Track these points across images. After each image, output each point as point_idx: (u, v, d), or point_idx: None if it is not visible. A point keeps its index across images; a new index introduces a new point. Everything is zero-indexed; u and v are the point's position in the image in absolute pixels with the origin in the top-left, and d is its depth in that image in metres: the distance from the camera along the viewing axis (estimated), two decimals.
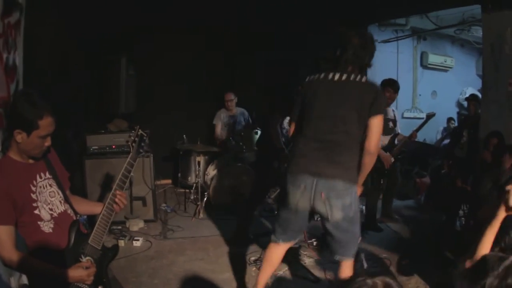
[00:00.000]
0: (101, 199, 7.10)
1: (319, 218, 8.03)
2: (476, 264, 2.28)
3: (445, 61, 14.61)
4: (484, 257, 2.20)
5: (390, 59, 13.30)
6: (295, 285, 5.83)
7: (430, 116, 7.82)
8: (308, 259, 6.50)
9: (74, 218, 3.47)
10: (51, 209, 3.30)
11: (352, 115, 4.28)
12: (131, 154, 3.53)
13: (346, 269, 4.60)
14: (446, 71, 14.91)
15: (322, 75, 4.51)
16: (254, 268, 6.19)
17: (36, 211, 3.20)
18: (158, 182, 8.93)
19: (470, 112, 9.64)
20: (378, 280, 1.99)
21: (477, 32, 12.71)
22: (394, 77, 8.93)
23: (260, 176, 7.37)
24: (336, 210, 4.26)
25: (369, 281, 2.00)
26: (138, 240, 6.99)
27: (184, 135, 9.22)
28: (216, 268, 6.25)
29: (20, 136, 3.04)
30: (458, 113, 13.25)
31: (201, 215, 8.35)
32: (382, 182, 7.89)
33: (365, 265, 4.76)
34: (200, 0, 9.07)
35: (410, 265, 6.44)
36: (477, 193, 6.56)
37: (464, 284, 2.26)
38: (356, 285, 2.02)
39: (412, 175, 10.48)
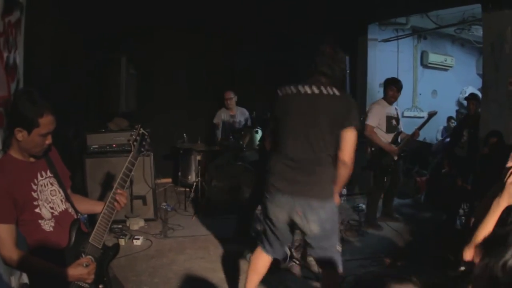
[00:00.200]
0: (101, 198, 7.11)
1: None
2: (494, 238, 2.26)
3: (445, 60, 14.60)
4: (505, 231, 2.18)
5: (391, 58, 13.30)
6: (296, 284, 5.84)
7: (432, 115, 7.84)
8: (309, 258, 6.50)
9: (75, 216, 3.46)
10: (52, 208, 3.29)
11: (325, 130, 4.32)
12: (132, 153, 3.52)
13: (328, 279, 4.80)
14: (446, 70, 14.91)
15: (294, 89, 4.52)
16: None
17: (37, 210, 3.20)
18: (158, 181, 8.93)
19: (470, 111, 9.63)
20: None
21: (478, 31, 12.70)
22: (395, 76, 8.94)
23: (261, 175, 7.38)
24: (313, 225, 4.34)
25: None
26: (138, 239, 7.01)
27: (185, 134, 9.23)
28: (216, 266, 6.27)
29: (20, 134, 3.04)
30: (457, 111, 13.22)
31: (201, 214, 8.35)
32: (386, 180, 7.91)
33: (340, 270, 4.77)
34: (200, 0, 9.07)
35: (410, 264, 6.46)
36: (476, 191, 6.58)
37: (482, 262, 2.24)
38: None
39: (412, 174, 10.48)
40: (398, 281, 5.93)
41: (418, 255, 6.75)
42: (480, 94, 9.54)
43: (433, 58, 14.29)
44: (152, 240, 7.14)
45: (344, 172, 4.40)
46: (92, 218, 4.82)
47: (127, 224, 7.58)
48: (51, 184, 3.36)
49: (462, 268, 5.56)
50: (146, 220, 7.82)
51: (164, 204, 8.72)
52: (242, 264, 6.31)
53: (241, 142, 8.94)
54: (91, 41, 8.25)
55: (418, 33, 13.80)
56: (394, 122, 8.00)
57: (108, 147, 7.62)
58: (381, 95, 8.34)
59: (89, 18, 7.90)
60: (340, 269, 4.62)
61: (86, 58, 8.34)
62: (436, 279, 5.90)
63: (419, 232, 7.78)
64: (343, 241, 7.28)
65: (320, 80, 4.45)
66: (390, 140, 7.82)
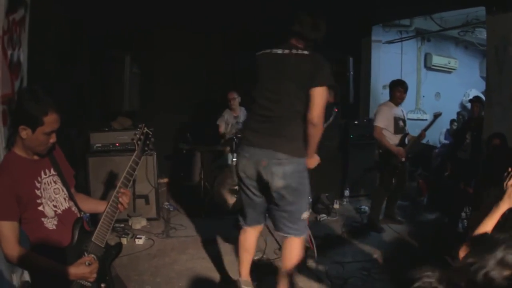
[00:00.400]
0: (104, 196, 7.12)
1: (322, 218, 8.10)
2: (486, 240, 2.27)
3: (449, 63, 14.60)
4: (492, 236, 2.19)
5: (394, 60, 13.30)
6: (297, 286, 5.83)
7: (437, 116, 7.84)
8: (310, 259, 6.49)
9: (78, 215, 3.47)
10: (55, 206, 3.29)
11: (293, 88, 4.43)
12: (136, 152, 3.52)
13: (292, 248, 4.81)
14: (449, 72, 14.90)
15: (268, 50, 4.67)
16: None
17: (40, 208, 3.20)
18: (161, 181, 8.94)
19: (474, 114, 9.63)
20: None
21: (481, 34, 12.69)
22: (398, 78, 8.94)
23: None
24: (277, 178, 4.44)
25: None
26: (140, 238, 7.01)
27: (188, 134, 9.22)
28: (218, 267, 6.25)
29: (25, 132, 3.04)
30: (458, 113, 13.20)
31: (204, 214, 8.35)
32: (393, 181, 7.91)
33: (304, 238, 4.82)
34: (206, 0, 9.07)
35: (410, 267, 6.45)
36: (479, 195, 6.56)
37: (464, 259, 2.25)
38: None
39: (415, 176, 10.48)
40: None
41: (419, 258, 6.74)
42: (483, 97, 9.53)
43: (437, 60, 14.28)
44: (154, 239, 7.13)
45: (313, 131, 4.49)
46: (94, 217, 4.84)
47: (130, 223, 7.58)
48: (55, 182, 3.37)
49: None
50: (148, 219, 7.81)
51: (167, 203, 8.73)
52: None
53: None
54: (95, 40, 8.26)
55: (422, 35, 13.80)
56: (401, 123, 8.01)
57: (111, 146, 7.62)
58: (385, 96, 8.34)
59: (93, 17, 7.91)
60: (304, 237, 4.87)
61: (89, 56, 8.35)
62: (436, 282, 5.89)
63: (421, 235, 7.76)
64: (345, 242, 7.31)
65: (293, 43, 4.62)
66: (397, 141, 7.82)
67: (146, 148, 3.56)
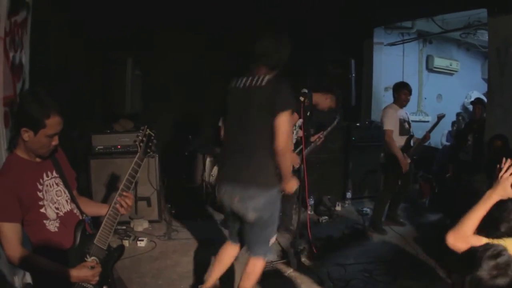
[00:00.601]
0: (106, 199, 7.12)
1: (324, 220, 8.10)
2: (469, 252, 2.29)
3: (451, 65, 14.58)
4: (478, 249, 2.21)
5: (396, 62, 13.28)
6: None
7: (441, 117, 7.85)
8: (311, 261, 6.49)
9: (80, 217, 3.46)
10: (57, 208, 3.29)
11: (257, 118, 4.45)
12: (138, 154, 3.51)
13: (255, 266, 4.84)
14: (451, 74, 14.89)
15: (235, 81, 4.74)
16: None
17: (42, 210, 3.19)
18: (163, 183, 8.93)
19: (476, 116, 9.64)
20: None
21: (483, 36, 12.69)
22: (400, 80, 8.94)
23: None
24: (250, 212, 4.50)
25: None
26: (142, 240, 7.00)
27: (190, 136, 9.21)
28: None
29: (27, 135, 3.03)
30: (457, 114, 13.17)
31: (206, 216, 8.35)
32: (399, 183, 7.91)
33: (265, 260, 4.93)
34: (207, 1, 9.07)
35: (413, 268, 6.47)
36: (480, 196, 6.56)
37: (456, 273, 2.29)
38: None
39: (417, 178, 10.47)
40: None
41: (421, 260, 6.74)
42: (485, 99, 9.53)
43: (439, 62, 14.27)
44: (156, 241, 7.13)
45: (281, 160, 4.47)
46: (96, 220, 4.85)
47: (131, 226, 7.58)
48: (57, 184, 3.36)
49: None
50: (150, 221, 7.81)
51: (169, 205, 8.72)
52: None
53: None
54: (97, 42, 8.24)
55: (424, 37, 13.78)
56: (406, 125, 8.05)
57: (113, 148, 7.62)
58: (387, 98, 8.34)
59: (95, 19, 7.90)
60: (266, 259, 4.89)
61: (91, 58, 8.34)
62: (439, 284, 5.90)
63: (423, 237, 7.75)
64: (347, 244, 7.31)
65: (256, 71, 4.62)
66: (403, 143, 7.87)
67: (148, 150, 3.55)
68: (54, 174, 3.36)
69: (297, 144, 6.97)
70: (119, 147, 7.62)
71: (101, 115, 8.60)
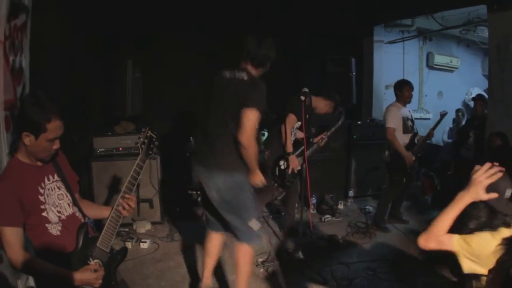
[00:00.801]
0: (108, 201, 7.12)
1: (326, 219, 8.11)
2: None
3: (451, 62, 14.55)
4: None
5: (396, 59, 13.27)
6: (303, 287, 5.83)
7: (443, 115, 7.86)
8: (315, 260, 6.50)
9: (83, 221, 3.46)
10: (59, 212, 3.29)
11: (229, 110, 4.71)
12: (140, 156, 3.51)
13: (239, 252, 5.13)
14: (452, 71, 14.86)
15: (221, 72, 5.00)
16: (262, 270, 6.21)
17: (44, 214, 3.19)
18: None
19: (477, 112, 9.63)
20: None
21: (483, 32, 12.67)
22: (400, 78, 8.94)
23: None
24: (212, 192, 4.86)
25: None
26: (145, 242, 7.01)
27: (191, 137, 9.20)
28: (223, 270, 6.26)
29: (28, 139, 3.03)
30: (456, 110, 13.12)
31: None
32: (404, 181, 7.91)
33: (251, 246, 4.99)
34: (207, 2, 9.07)
35: (415, 267, 6.46)
36: None
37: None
38: None
39: (419, 176, 10.46)
40: None
41: (425, 257, 6.73)
42: (486, 95, 9.52)
43: (439, 59, 14.24)
44: (159, 243, 7.14)
45: (244, 152, 4.69)
46: (99, 222, 4.83)
47: (134, 227, 7.59)
48: (58, 188, 3.36)
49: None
50: (153, 223, 7.82)
51: (170, 207, 8.71)
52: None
53: None
54: (97, 44, 8.24)
55: (424, 35, 13.75)
56: (409, 123, 8.04)
57: (114, 151, 7.62)
58: (388, 96, 8.34)
59: (94, 21, 7.89)
60: (251, 245, 5.07)
61: (91, 61, 8.33)
62: (442, 281, 5.89)
63: None
64: (350, 243, 7.31)
65: (241, 65, 4.98)
66: (407, 140, 7.84)
67: (150, 152, 3.56)
68: (56, 177, 3.36)
69: (296, 145, 6.99)
70: (120, 149, 7.62)
71: (102, 117, 8.60)
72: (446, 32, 13.38)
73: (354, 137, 9.81)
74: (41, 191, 3.21)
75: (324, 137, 7.23)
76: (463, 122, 12.25)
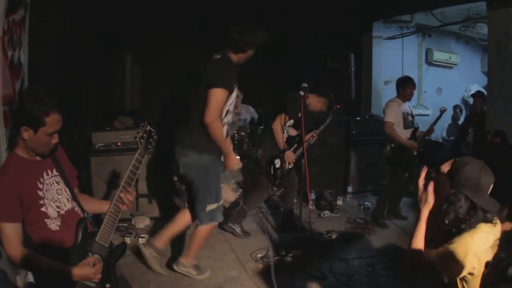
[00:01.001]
0: (106, 196, 7.10)
1: (325, 215, 8.10)
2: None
3: (450, 58, 14.55)
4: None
5: (395, 56, 13.26)
6: (302, 282, 5.83)
7: (443, 111, 7.93)
8: (314, 256, 6.49)
9: (82, 215, 3.46)
10: (58, 207, 3.29)
11: (203, 91, 5.00)
12: (139, 150, 3.49)
13: (196, 236, 5.59)
14: (451, 68, 14.86)
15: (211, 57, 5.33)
16: (261, 265, 6.20)
17: (43, 209, 3.19)
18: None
19: (476, 109, 9.64)
20: None
21: (482, 29, 12.67)
22: (399, 74, 8.97)
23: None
24: (181, 167, 5.29)
25: None
26: (144, 237, 6.98)
27: None
28: (222, 265, 6.26)
29: (26, 133, 3.03)
30: (454, 107, 13.11)
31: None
32: (407, 175, 7.92)
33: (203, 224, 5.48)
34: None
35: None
36: None
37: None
38: None
39: (419, 172, 10.46)
40: None
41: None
42: (485, 92, 9.52)
43: (438, 55, 14.24)
44: None
45: (209, 131, 4.96)
46: (98, 217, 4.82)
47: (133, 223, 7.57)
48: (57, 183, 3.36)
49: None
50: (151, 218, 7.79)
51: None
52: (249, 263, 6.31)
53: (246, 140, 8.93)
54: (96, 39, 8.22)
55: (423, 31, 13.75)
56: (410, 118, 8.07)
57: (113, 145, 7.60)
58: (387, 92, 8.34)
59: (93, 16, 7.86)
60: (201, 224, 5.43)
61: (90, 56, 8.31)
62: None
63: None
64: (349, 239, 7.31)
65: (224, 48, 5.27)
66: (408, 135, 7.88)
67: (149, 147, 3.54)
68: (55, 172, 3.36)
69: (289, 143, 7.06)
70: (119, 144, 7.60)
71: (101, 112, 8.59)
72: (446, 29, 13.40)
73: (353, 133, 9.79)
74: (40, 186, 3.21)
75: (314, 135, 7.25)
76: (461, 119, 12.27)
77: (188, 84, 9.39)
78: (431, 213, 3.21)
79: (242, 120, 9.47)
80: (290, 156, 6.95)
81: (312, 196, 8.77)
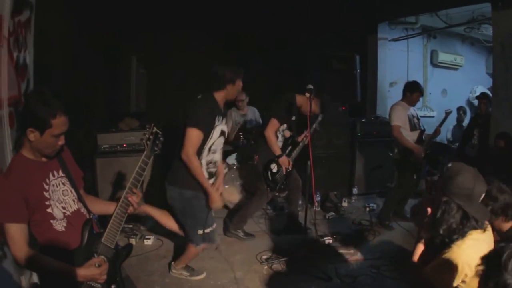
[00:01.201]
0: (112, 197, 7.11)
1: (330, 216, 8.10)
2: (490, 257, 2.26)
3: (455, 60, 14.53)
4: (499, 251, 2.17)
5: (400, 57, 13.26)
6: (307, 284, 5.83)
7: (448, 113, 7.91)
8: (319, 258, 6.49)
9: (87, 217, 3.46)
10: (64, 208, 3.29)
11: (183, 128, 5.22)
12: (145, 152, 3.50)
13: (186, 248, 5.74)
14: (456, 69, 14.84)
15: None
16: (266, 267, 6.20)
17: (49, 210, 3.19)
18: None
19: (481, 111, 9.62)
20: None
21: (487, 30, 12.64)
22: (404, 76, 8.97)
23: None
24: (167, 198, 5.43)
25: None
26: (149, 238, 7.00)
27: None
28: (227, 267, 6.27)
29: (33, 135, 3.02)
30: (458, 108, 13.08)
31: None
32: (415, 177, 7.92)
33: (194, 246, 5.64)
34: (209, 1, 9.07)
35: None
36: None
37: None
38: None
39: (424, 174, 10.45)
40: None
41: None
42: (490, 93, 9.51)
43: (443, 57, 14.22)
44: (163, 240, 7.12)
45: (188, 167, 5.15)
46: (103, 218, 4.85)
47: (138, 224, 7.57)
48: (63, 184, 3.36)
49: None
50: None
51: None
52: (254, 264, 6.31)
53: (252, 142, 8.93)
54: (101, 40, 8.23)
55: (428, 32, 13.74)
56: (415, 120, 8.06)
57: (118, 147, 7.60)
58: (392, 94, 8.33)
59: (99, 18, 7.88)
60: (195, 245, 5.54)
61: (96, 57, 8.32)
62: None
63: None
64: (354, 240, 7.30)
65: (208, 89, 5.55)
66: (415, 137, 7.86)
67: (155, 148, 3.55)
68: (61, 173, 3.36)
69: (284, 146, 7.18)
70: (124, 145, 7.60)
71: (106, 113, 8.60)
72: (450, 30, 13.39)
73: (359, 134, 9.78)
74: (46, 187, 3.20)
75: (307, 134, 7.25)
76: (465, 120, 12.26)
77: (195, 88, 9.51)
78: (426, 223, 3.25)
79: (248, 122, 9.47)
80: (284, 161, 6.96)
81: (318, 197, 8.76)
